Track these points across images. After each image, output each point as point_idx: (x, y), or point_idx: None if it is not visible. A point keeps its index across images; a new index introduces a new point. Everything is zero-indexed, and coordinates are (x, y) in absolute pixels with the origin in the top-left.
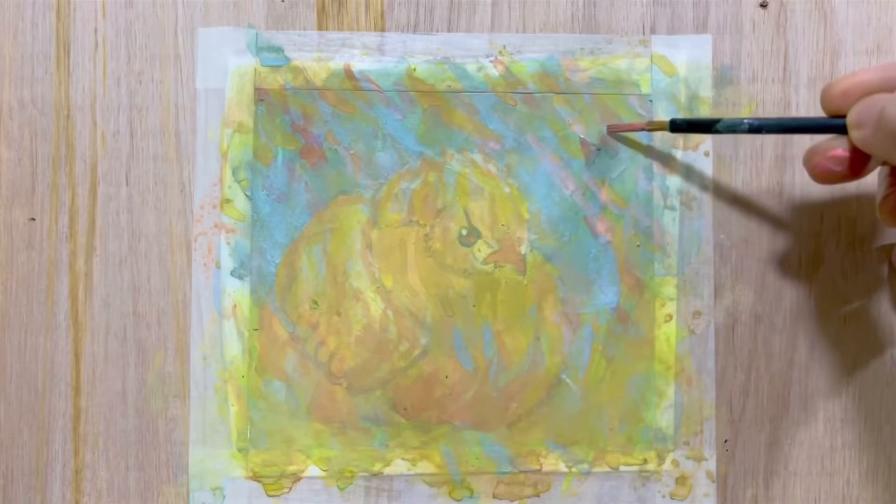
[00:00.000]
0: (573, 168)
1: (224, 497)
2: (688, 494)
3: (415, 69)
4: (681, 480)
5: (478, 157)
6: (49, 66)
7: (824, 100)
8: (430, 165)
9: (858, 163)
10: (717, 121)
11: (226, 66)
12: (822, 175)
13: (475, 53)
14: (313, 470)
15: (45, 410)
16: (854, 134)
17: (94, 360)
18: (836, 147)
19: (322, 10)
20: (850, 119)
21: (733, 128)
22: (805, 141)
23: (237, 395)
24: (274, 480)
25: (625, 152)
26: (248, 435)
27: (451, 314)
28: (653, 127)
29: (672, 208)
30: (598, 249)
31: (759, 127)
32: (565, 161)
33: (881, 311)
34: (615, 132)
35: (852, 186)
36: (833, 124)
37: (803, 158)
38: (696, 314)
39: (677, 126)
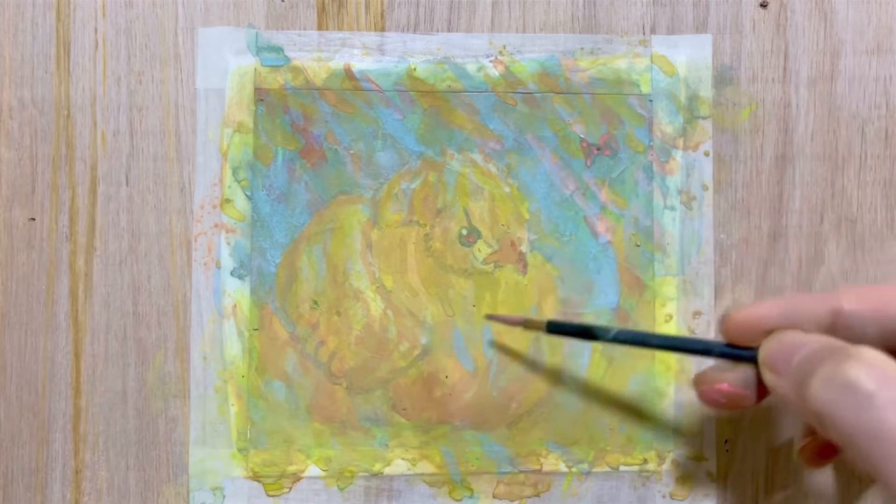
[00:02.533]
0: (573, 168)
1: (224, 497)
2: (688, 494)
3: (415, 69)
4: (681, 480)
5: (478, 157)
6: (49, 66)
7: (724, 326)
8: (430, 165)
9: (752, 396)
10: (592, 328)
11: (226, 66)
12: (710, 403)
13: (475, 53)
14: (313, 470)
15: (45, 410)
16: (768, 377)
17: (94, 360)
18: (723, 381)
19: (322, 10)
20: (763, 359)
21: (611, 338)
22: (805, 144)
23: (237, 395)
24: (274, 480)
25: (625, 152)
26: (248, 435)
27: (451, 314)
28: (529, 326)
29: (672, 208)
30: (598, 249)
31: (634, 340)
32: (565, 161)
33: None
34: (493, 320)
35: (853, 186)
36: (726, 353)
37: (692, 380)
38: (696, 314)
39: (554, 328)
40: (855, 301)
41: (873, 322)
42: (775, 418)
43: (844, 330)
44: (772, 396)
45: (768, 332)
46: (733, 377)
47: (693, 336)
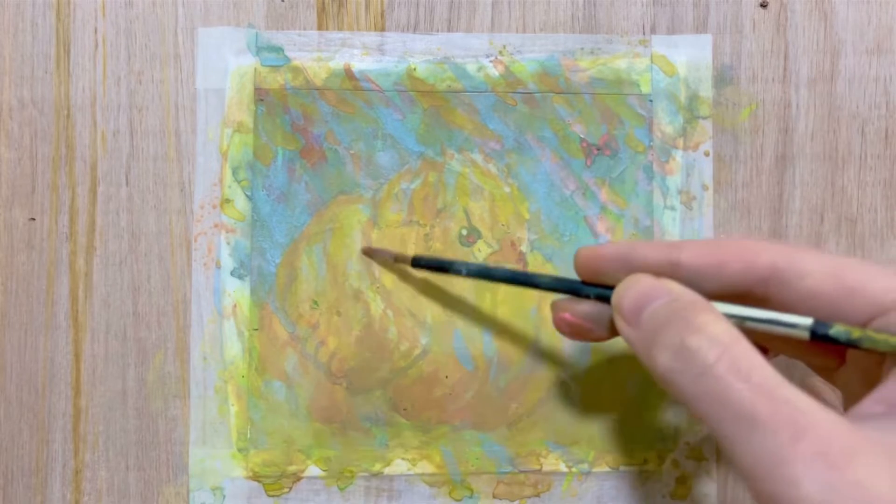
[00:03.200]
0: (573, 168)
1: (224, 497)
2: (688, 494)
3: (415, 69)
4: (681, 480)
5: (478, 157)
6: (49, 66)
7: (575, 263)
8: (430, 165)
9: (600, 331)
10: (451, 262)
11: (226, 66)
12: (559, 330)
13: (475, 53)
14: (313, 470)
15: (45, 410)
16: (619, 323)
17: (94, 360)
18: (566, 310)
19: (322, 10)
20: (615, 304)
21: (465, 272)
22: (806, 144)
23: (237, 395)
24: (274, 480)
25: (625, 152)
26: (248, 435)
27: (451, 314)
28: (398, 260)
29: (672, 208)
30: None
31: (486, 275)
32: (565, 161)
33: None
34: (366, 255)
35: (853, 186)
36: (574, 289)
37: (550, 305)
38: None
39: (418, 263)
40: (694, 255)
41: (710, 277)
42: None
43: (683, 281)
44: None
45: (614, 274)
46: (578, 309)
47: (547, 274)
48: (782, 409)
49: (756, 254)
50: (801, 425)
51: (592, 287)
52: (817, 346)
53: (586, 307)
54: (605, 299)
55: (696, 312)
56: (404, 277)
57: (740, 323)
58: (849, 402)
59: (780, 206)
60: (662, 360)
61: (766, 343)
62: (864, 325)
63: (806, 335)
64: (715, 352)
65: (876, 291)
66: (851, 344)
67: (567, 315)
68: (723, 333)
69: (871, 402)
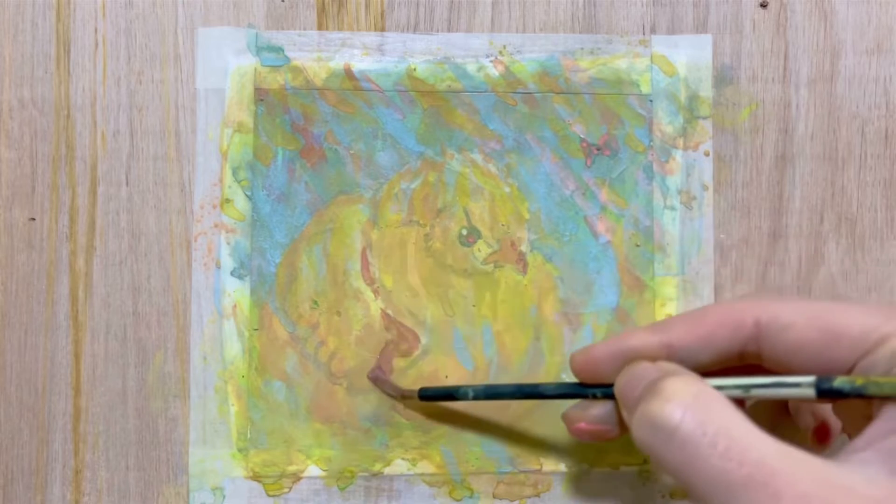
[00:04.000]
0: (573, 168)
1: (224, 497)
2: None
3: (415, 69)
4: None
5: (478, 157)
6: (49, 66)
7: (572, 369)
8: (430, 165)
9: (614, 429)
10: (456, 389)
11: (226, 66)
12: (581, 437)
13: (475, 53)
14: (313, 470)
15: (45, 410)
16: (623, 414)
17: (94, 360)
18: (581, 419)
19: (322, 10)
20: (618, 395)
21: (472, 396)
22: (806, 144)
23: (237, 395)
24: (274, 480)
25: (625, 152)
26: (248, 435)
27: (451, 314)
28: (405, 396)
29: (672, 208)
30: (598, 249)
31: (494, 395)
32: (565, 161)
33: None
34: (373, 382)
35: (853, 186)
36: (579, 392)
37: (561, 417)
38: None
39: (425, 395)
40: (682, 334)
41: (703, 350)
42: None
43: (678, 360)
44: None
45: (612, 371)
46: (590, 415)
47: (550, 382)
48: (755, 472)
49: (739, 315)
50: (776, 487)
51: (596, 387)
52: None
53: (597, 411)
54: (611, 396)
55: (660, 380)
56: (402, 275)
57: (746, 392)
58: (847, 428)
59: (780, 206)
60: (635, 432)
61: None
62: (850, 367)
63: (812, 393)
64: (678, 412)
65: (859, 334)
66: (857, 393)
67: (583, 425)
68: (683, 390)
69: (861, 442)
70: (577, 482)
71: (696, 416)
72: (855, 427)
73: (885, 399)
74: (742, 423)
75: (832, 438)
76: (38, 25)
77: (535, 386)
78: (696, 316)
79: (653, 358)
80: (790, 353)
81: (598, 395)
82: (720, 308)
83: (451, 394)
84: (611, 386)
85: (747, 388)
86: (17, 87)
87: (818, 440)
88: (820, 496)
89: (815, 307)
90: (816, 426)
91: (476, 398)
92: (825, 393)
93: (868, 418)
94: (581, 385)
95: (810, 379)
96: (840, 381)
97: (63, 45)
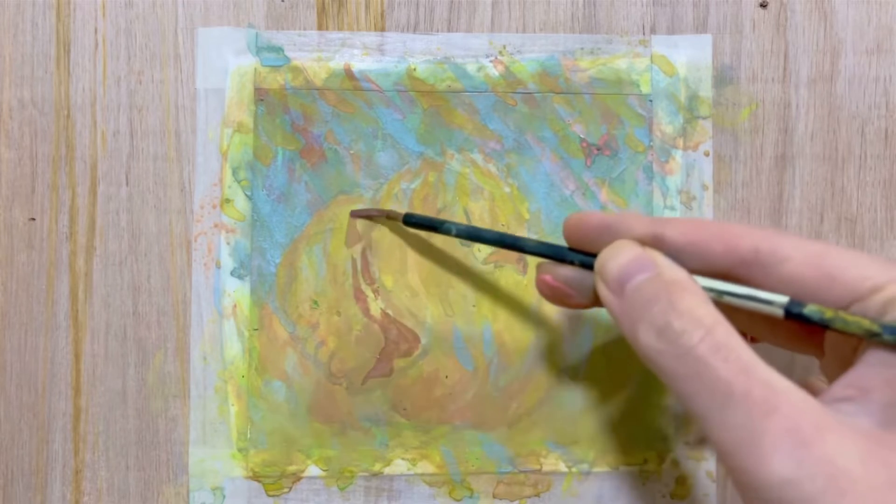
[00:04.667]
0: (573, 168)
1: (224, 497)
2: (688, 494)
3: (415, 69)
4: (681, 480)
5: (478, 157)
6: (49, 66)
7: (563, 229)
8: (430, 165)
9: (581, 298)
10: (442, 222)
11: (226, 66)
12: (542, 293)
13: (475, 53)
14: (313, 470)
15: (45, 410)
16: (601, 290)
17: (94, 360)
18: (549, 273)
19: (322, 10)
20: (598, 269)
21: (455, 233)
22: (806, 144)
23: (237, 395)
24: (274, 480)
25: (625, 152)
26: (248, 435)
27: (450, 314)
28: (391, 217)
29: (672, 208)
30: None
31: (475, 236)
32: (565, 161)
33: None
34: (355, 216)
35: (853, 186)
36: (559, 254)
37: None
38: None
39: (409, 220)
40: (679, 232)
41: (693, 256)
42: None
43: (666, 254)
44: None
45: (600, 241)
46: (560, 273)
47: (534, 239)
48: (756, 386)
49: (739, 236)
50: (772, 403)
51: (577, 253)
52: (797, 332)
53: (569, 272)
54: (589, 267)
55: (681, 293)
56: (402, 275)
57: (718, 297)
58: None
59: (780, 206)
60: (646, 338)
61: (751, 330)
62: (842, 310)
63: (780, 313)
64: (698, 334)
65: (854, 278)
66: (824, 324)
67: (548, 277)
68: (706, 316)
69: (841, 387)
70: (577, 482)
71: (714, 335)
72: (835, 362)
73: (866, 340)
74: (749, 349)
75: None
76: (38, 25)
77: (518, 238)
78: (697, 223)
79: (642, 242)
80: (781, 285)
81: (577, 262)
82: (723, 225)
83: (434, 225)
84: (593, 256)
85: (721, 293)
86: (17, 87)
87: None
88: (811, 418)
89: (816, 247)
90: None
91: (458, 236)
92: (793, 316)
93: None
94: (564, 248)
95: (783, 299)
96: (811, 309)
97: (63, 45)
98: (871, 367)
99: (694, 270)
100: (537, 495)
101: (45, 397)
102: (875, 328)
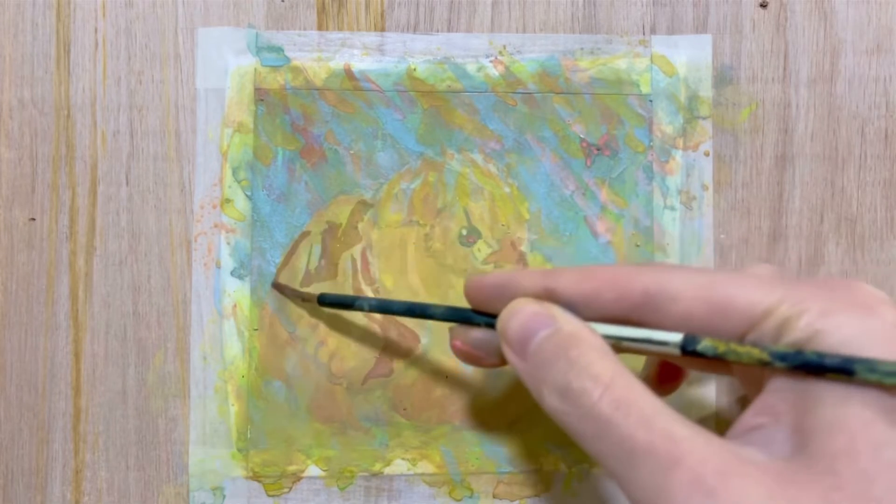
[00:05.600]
0: (573, 168)
1: (224, 497)
2: None
3: (415, 69)
4: None
5: (478, 157)
6: (49, 66)
7: (465, 291)
8: (430, 165)
9: (491, 359)
10: (353, 299)
11: (226, 66)
12: (457, 356)
13: (475, 53)
14: (313, 470)
15: (45, 410)
16: (507, 353)
17: (94, 360)
18: (459, 338)
19: (322, 10)
20: (501, 333)
21: (367, 308)
22: (806, 144)
23: (237, 395)
24: (274, 480)
25: (625, 152)
26: (248, 435)
27: None
28: (306, 299)
29: (672, 208)
30: (598, 249)
31: (386, 309)
32: (565, 161)
33: None
34: (276, 289)
35: (853, 186)
36: (465, 318)
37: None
38: None
39: (324, 301)
40: (568, 284)
41: (586, 306)
42: None
43: (562, 307)
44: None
45: (498, 302)
46: (469, 336)
47: (440, 304)
48: (658, 439)
49: (628, 281)
50: (674, 455)
51: (481, 315)
52: (709, 362)
53: (477, 334)
54: (493, 326)
55: (579, 348)
56: (402, 275)
57: (617, 343)
58: (745, 388)
59: (780, 206)
60: (550, 401)
61: (680, 363)
62: (739, 340)
63: (677, 352)
64: (597, 391)
65: (744, 305)
66: (719, 358)
67: (458, 342)
68: (604, 371)
69: (751, 415)
70: (577, 482)
71: (614, 393)
72: (752, 386)
73: (768, 369)
74: (650, 398)
75: (678, 383)
76: (38, 25)
77: (426, 306)
78: (585, 272)
79: (536, 298)
80: (676, 325)
81: (482, 323)
82: (611, 270)
83: (348, 303)
84: (495, 317)
85: (619, 339)
86: (17, 87)
87: (661, 381)
88: (714, 464)
89: (703, 279)
90: (660, 365)
91: (371, 311)
92: (689, 353)
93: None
94: (467, 311)
95: (677, 338)
96: (703, 345)
97: (63, 45)
98: (777, 393)
99: (590, 319)
100: (537, 495)
101: (45, 397)
102: (765, 357)
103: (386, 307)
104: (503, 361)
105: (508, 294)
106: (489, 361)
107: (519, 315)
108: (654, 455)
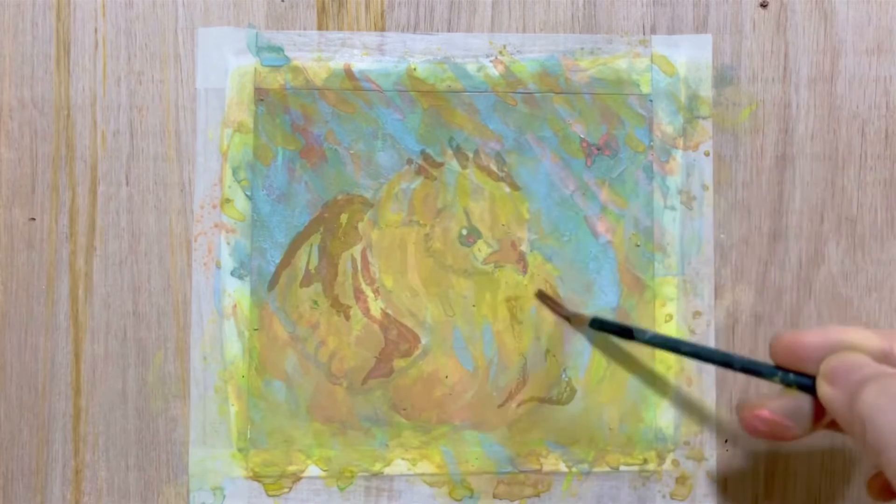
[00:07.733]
0: (573, 168)
1: (224, 497)
2: (688, 494)
3: (415, 69)
4: (681, 480)
5: (478, 157)
6: (49, 66)
7: (773, 348)
8: (430, 165)
9: (797, 428)
10: (631, 328)
11: (226, 66)
12: (752, 431)
13: (475, 53)
14: (313, 470)
15: (45, 410)
16: (823, 388)
17: (94, 360)
18: (763, 407)
19: (322, 10)
20: (824, 371)
21: (648, 340)
22: (806, 144)
23: (237, 395)
24: (274, 480)
25: (625, 152)
26: (248, 435)
27: (451, 314)
28: (576, 320)
29: (672, 208)
30: (598, 249)
31: (668, 346)
32: (565, 161)
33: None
34: (542, 301)
35: (853, 186)
36: (768, 372)
37: (734, 407)
38: (697, 314)
39: (596, 324)
40: None
41: None
42: None
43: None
44: (816, 433)
45: (817, 360)
46: (776, 405)
47: (739, 355)
48: None
49: None
50: None
51: (796, 373)
52: None
53: (786, 402)
54: (806, 388)
55: None
56: (402, 275)
57: None
58: None
59: (780, 206)
60: (867, 396)
61: None
62: None
63: None
64: None
65: None
66: None
67: (766, 412)
68: None
69: None
70: (577, 482)
71: None
72: None
73: None
74: None
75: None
76: (38, 25)
77: (726, 354)
78: None
79: (871, 356)
80: None
81: (793, 382)
82: None
83: (626, 330)
84: (811, 377)
85: None
86: (17, 87)
87: (875, 495)
88: None
89: None
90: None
91: (650, 343)
92: None
93: None
94: (777, 367)
95: None
96: None
97: (63, 45)
98: None
99: None
100: (537, 495)
101: (45, 397)
102: None
103: (671, 345)
104: (808, 430)
105: (839, 349)
106: (793, 432)
107: (848, 355)
108: None
